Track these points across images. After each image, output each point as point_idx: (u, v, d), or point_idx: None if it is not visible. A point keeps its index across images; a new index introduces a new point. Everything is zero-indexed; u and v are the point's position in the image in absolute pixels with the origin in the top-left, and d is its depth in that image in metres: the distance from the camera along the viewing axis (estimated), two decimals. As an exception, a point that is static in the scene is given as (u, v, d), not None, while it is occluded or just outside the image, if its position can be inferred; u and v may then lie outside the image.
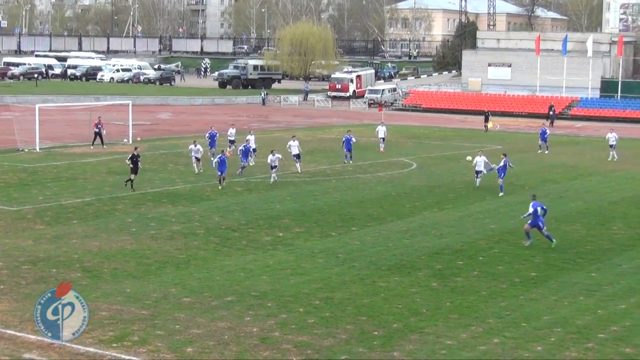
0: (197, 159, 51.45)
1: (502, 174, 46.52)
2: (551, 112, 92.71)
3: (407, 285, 28.63)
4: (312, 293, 27.39)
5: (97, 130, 61.43)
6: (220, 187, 45.74)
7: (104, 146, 60.78)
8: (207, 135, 57.81)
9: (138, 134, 67.68)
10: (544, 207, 34.41)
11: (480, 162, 47.87)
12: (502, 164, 46.71)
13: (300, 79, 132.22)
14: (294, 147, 52.99)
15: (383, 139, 64.07)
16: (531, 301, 27.13)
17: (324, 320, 24.76)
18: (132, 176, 45.10)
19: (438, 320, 24.95)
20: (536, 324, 24.78)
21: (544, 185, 49.92)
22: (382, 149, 63.21)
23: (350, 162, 56.92)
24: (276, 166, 48.32)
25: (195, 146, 51.50)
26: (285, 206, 41.98)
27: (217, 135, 57.76)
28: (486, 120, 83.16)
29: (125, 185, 45.11)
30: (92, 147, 60.51)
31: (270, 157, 48.25)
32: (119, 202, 42.09)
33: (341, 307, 25.95)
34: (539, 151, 65.54)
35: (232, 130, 60.70)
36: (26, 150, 59.37)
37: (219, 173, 46.12)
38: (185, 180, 48.89)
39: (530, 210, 34.22)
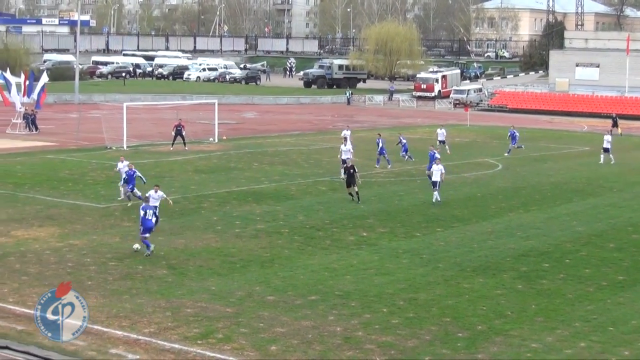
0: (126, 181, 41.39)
1: None
2: None
3: (492, 287, 28.39)
4: (396, 293, 27.32)
5: (177, 130, 60.77)
6: (129, 204, 40.23)
7: (186, 147, 60.66)
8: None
9: (223, 132, 68.19)
10: (156, 214, 32.74)
11: (436, 171, 43.01)
12: None
13: (385, 78, 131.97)
14: (346, 152, 50.44)
15: (443, 141, 62.17)
16: (618, 305, 26.70)
17: (407, 320, 24.67)
18: (348, 188, 42.97)
19: (523, 323, 24.69)
20: (624, 329, 24.39)
21: (633, 187, 49.13)
22: (444, 151, 61.47)
23: (388, 166, 54.69)
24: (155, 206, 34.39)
25: (122, 162, 42.28)
26: (370, 206, 41.90)
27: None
28: (615, 125, 79.66)
29: (353, 199, 42.59)
30: (171, 148, 60.51)
31: (151, 192, 35.03)
32: (205, 200, 42.44)
33: (425, 308, 25.83)
34: (505, 154, 62.50)
35: (345, 132, 59.53)
36: (114, 148, 60.18)
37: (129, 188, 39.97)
38: (270, 179, 49.08)
39: (141, 213, 31.60)
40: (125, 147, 59.94)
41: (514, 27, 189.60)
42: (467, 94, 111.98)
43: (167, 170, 51.58)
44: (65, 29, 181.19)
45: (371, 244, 34.16)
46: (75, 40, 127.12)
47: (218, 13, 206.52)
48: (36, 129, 69.63)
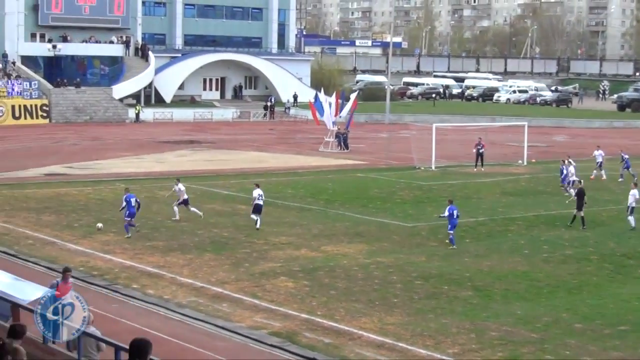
0: (182, 202, 40.85)
1: None
2: None
3: None
4: None
5: (477, 150, 60.91)
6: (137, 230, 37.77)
7: (483, 168, 60.47)
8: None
9: (532, 155, 67.23)
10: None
11: (631, 195, 41.00)
12: None
13: None
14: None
15: (600, 163, 58.73)
16: None
17: None
18: (575, 212, 41.68)
19: None
20: None
21: None
22: (592, 177, 57.37)
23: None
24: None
25: (178, 184, 41.34)
26: (686, 235, 39.88)
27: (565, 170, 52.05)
28: None
29: (570, 224, 41.39)
30: (474, 169, 60.50)
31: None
32: (512, 223, 41.92)
33: None
34: (619, 179, 56.65)
35: (597, 152, 59.20)
36: (422, 168, 60.71)
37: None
38: (579, 203, 47.74)
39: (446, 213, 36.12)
40: (433, 168, 60.36)
41: None
42: None
43: (474, 191, 51.43)
44: (377, 51, 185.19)
45: (687, 275, 32.55)
46: (387, 62, 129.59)
47: (530, 34, 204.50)
48: (347, 147, 71.44)
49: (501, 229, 40.64)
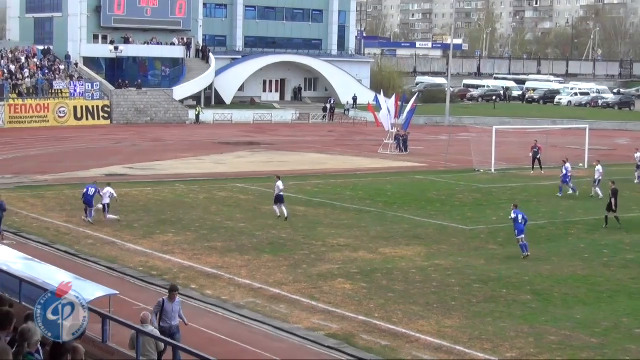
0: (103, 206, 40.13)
1: None
2: None
3: None
4: None
5: (533, 153, 60.43)
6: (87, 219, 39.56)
7: (542, 171, 59.91)
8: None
9: (594, 159, 66.42)
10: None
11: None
12: None
13: None
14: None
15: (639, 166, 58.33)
16: None
17: None
18: (607, 213, 41.85)
19: None
20: None
21: None
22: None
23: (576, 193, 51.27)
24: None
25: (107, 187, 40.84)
26: None
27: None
28: None
29: (620, 226, 41.31)
30: (531, 173, 59.95)
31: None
32: (572, 227, 41.52)
33: None
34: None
35: (637, 154, 58.77)
36: (481, 170, 60.40)
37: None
38: (641, 207, 47.23)
39: (512, 215, 35.21)
40: (493, 170, 60.01)
41: None
42: None
43: (534, 194, 51.02)
44: (438, 53, 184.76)
45: None
46: (447, 64, 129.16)
47: (592, 37, 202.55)
48: (406, 149, 71.27)
49: (561, 232, 40.27)
